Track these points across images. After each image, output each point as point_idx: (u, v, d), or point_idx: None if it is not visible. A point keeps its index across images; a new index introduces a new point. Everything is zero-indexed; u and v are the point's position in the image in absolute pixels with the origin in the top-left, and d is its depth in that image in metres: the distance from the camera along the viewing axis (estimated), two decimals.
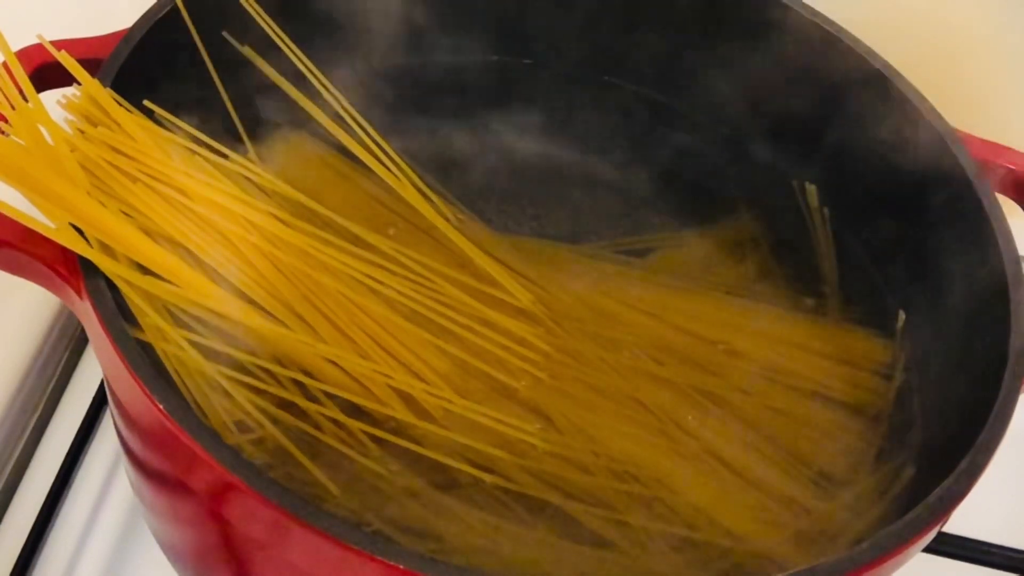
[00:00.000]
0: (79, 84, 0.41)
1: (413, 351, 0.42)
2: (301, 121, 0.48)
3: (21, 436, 0.53)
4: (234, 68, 0.47)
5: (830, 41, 0.50)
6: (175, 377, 0.38)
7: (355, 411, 0.40)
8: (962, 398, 0.42)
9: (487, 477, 0.40)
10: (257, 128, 0.48)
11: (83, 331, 0.51)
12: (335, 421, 0.40)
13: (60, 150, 0.38)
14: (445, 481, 0.40)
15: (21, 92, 0.38)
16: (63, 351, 0.57)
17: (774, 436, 0.44)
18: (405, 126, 0.51)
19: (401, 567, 0.31)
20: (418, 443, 0.40)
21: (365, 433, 0.40)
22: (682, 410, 0.44)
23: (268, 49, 0.47)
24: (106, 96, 0.41)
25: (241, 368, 0.39)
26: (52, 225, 0.38)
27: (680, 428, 0.43)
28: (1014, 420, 0.38)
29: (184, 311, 0.39)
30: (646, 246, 0.50)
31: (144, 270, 0.39)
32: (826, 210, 0.52)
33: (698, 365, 0.46)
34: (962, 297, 0.45)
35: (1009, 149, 0.47)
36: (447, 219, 0.47)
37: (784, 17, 0.51)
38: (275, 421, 0.39)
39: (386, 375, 0.41)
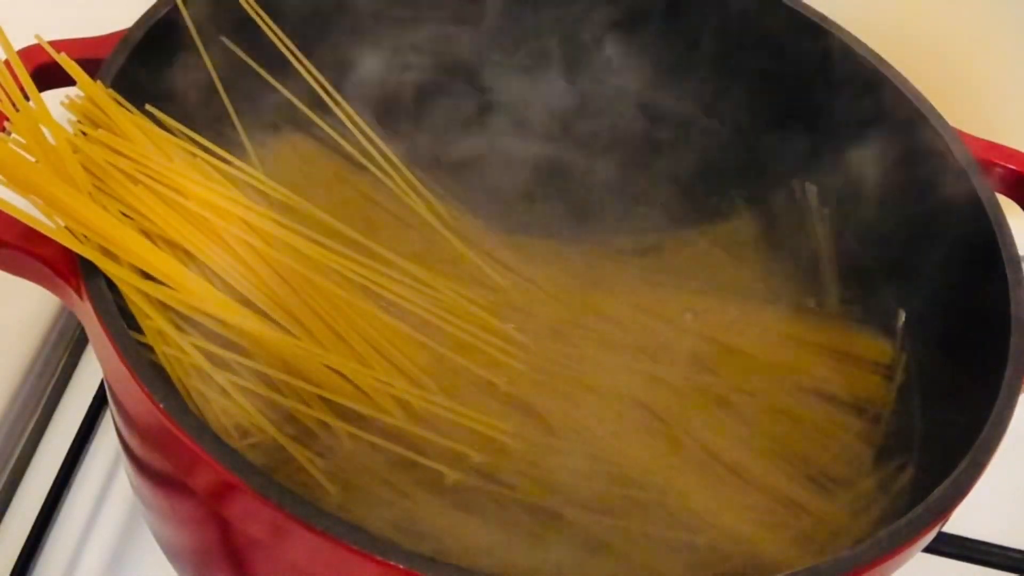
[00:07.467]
0: None
1: (410, 356, 0.42)
2: (301, 123, 0.48)
3: (21, 436, 0.53)
4: (234, 69, 0.47)
5: (830, 41, 0.50)
6: (175, 379, 0.38)
7: (353, 415, 0.40)
8: (962, 398, 0.42)
9: (483, 483, 0.40)
10: (257, 130, 0.48)
11: (83, 331, 0.51)
12: (328, 425, 0.40)
13: (63, 151, 0.38)
14: (443, 483, 0.40)
15: (23, 91, 0.38)
16: (63, 351, 0.57)
17: (774, 436, 0.44)
18: (404, 127, 0.51)
19: (401, 567, 0.31)
20: (416, 449, 0.40)
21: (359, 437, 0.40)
22: (681, 411, 0.44)
23: (268, 50, 0.47)
24: (105, 97, 0.41)
25: (239, 371, 0.39)
26: (52, 225, 0.37)
27: (679, 429, 0.43)
28: (1014, 420, 0.38)
29: (184, 314, 0.39)
30: (646, 246, 0.50)
31: (145, 275, 0.38)
32: (826, 210, 0.52)
33: (698, 365, 0.46)
34: (962, 297, 0.45)
35: (1009, 149, 0.47)
36: (442, 218, 0.47)
37: (784, 17, 0.51)
38: (274, 424, 0.39)
39: (386, 383, 0.40)
